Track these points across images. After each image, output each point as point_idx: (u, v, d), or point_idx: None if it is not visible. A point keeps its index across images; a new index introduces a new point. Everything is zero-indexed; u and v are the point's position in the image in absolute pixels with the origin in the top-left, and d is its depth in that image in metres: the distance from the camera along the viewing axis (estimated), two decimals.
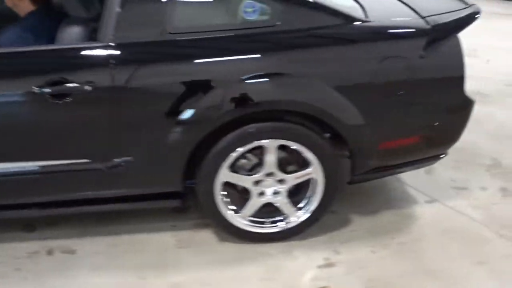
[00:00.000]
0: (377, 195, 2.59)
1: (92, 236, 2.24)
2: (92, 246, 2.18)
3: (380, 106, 2.00)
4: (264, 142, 1.95)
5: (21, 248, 2.13)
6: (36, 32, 2.00)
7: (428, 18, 2.05)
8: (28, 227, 2.26)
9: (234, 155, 1.96)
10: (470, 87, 4.11)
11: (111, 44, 1.80)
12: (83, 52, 1.84)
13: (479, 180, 2.75)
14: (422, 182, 2.72)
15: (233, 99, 1.85)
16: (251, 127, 1.92)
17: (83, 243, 2.19)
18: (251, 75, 1.85)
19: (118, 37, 1.80)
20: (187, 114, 1.85)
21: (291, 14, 1.90)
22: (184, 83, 1.85)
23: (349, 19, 1.95)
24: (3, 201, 1.99)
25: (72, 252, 2.15)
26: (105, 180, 1.97)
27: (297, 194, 2.16)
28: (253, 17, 1.88)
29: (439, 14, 2.08)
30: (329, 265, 2.09)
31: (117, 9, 1.78)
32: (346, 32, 1.96)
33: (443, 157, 2.34)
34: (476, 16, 2.05)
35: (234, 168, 2.04)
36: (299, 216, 2.15)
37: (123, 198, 2.09)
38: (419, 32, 1.98)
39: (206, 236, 2.24)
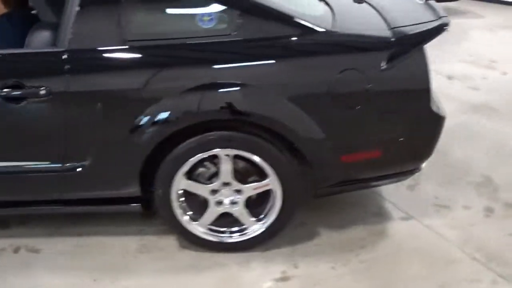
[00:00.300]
0: (352, 209, 2.52)
1: (60, 236, 2.30)
2: (58, 246, 2.24)
3: (338, 119, 1.95)
4: (218, 151, 1.95)
5: None
6: (5, 34, 2.07)
7: (395, 29, 1.99)
8: (1, 224, 2.35)
9: (189, 162, 1.96)
10: (479, 99, 4.05)
11: (67, 49, 1.84)
12: (40, 57, 1.90)
13: (464, 199, 2.63)
14: (403, 197, 2.63)
15: (185, 107, 1.86)
16: (205, 136, 1.92)
17: (50, 243, 2.25)
18: (203, 83, 1.85)
19: (75, 43, 1.84)
20: (140, 120, 1.87)
21: (247, 24, 1.89)
22: (138, 89, 1.87)
23: (308, 29, 1.92)
24: None
25: (37, 251, 2.21)
26: (64, 182, 2.02)
27: (259, 205, 2.14)
28: (209, 26, 1.89)
29: (408, 25, 2.02)
30: (284, 279, 2.05)
31: (74, 15, 1.83)
32: (303, 43, 1.92)
33: (416, 172, 2.26)
34: (444, 28, 1.97)
35: (192, 176, 2.04)
36: (258, 228, 2.13)
37: (87, 200, 2.14)
38: (381, 45, 1.93)
39: (169, 242, 2.25)
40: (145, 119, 1.87)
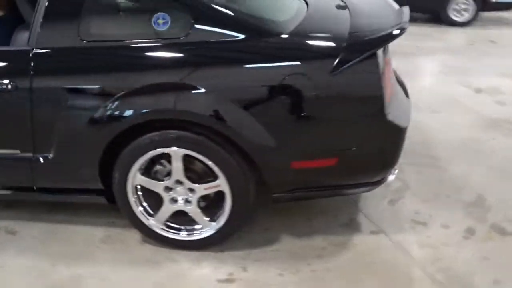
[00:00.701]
0: (322, 218, 2.48)
1: (38, 221, 2.46)
2: (33, 231, 2.40)
3: (287, 125, 1.93)
4: (168, 150, 2.00)
5: None
6: None
7: (353, 35, 1.95)
8: None
9: (142, 159, 2.04)
10: (502, 114, 3.80)
11: (34, 48, 1.99)
12: (12, 54, 2.06)
13: (446, 217, 2.50)
14: (380, 211, 2.55)
15: (134, 106, 1.94)
16: (155, 135, 1.98)
17: (27, 227, 2.42)
18: (151, 83, 1.92)
19: (41, 42, 1.99)
20: (94, 117, 1.97)
21: (199, 27, 1.94)
22: (93, 87, 1.98)
23: (259, 33, 1.93)
24: None
25: (14, 233, 2.38)
26: (35, 171, 2.17)
27: (216, 206, 2.16)
28: (163, 29, 1.96)
29: (368, 31, 1.97)
30: (229, 280, 2.06)
31: (42, 16, 1.97)
32: (252, 46, 1.94)
33: (381, 183, 2.18)
34: (392, 37, 1.90)
35: (151, 173, 2.12)
36: (211, 228, 2.16)
37: (58, 189, 2.28)
38: (329, 51, 1.90)
39: (132, 236, 2.33)
40: (98, 116, 1.97)
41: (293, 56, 1.93)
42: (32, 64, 1.99)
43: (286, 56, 1.93)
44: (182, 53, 1.96)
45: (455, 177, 2.90)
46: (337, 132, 1.96)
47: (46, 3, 1.97)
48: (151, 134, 1.99)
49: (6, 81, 1.98)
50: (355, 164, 2.05)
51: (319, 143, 1.98)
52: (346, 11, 2.31)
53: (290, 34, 1.97)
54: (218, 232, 2.15)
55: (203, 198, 2.14)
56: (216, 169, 2.01)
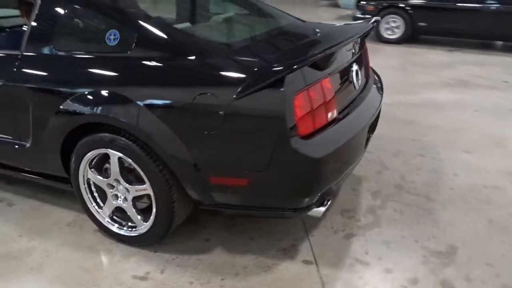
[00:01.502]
0: (264, 238, 2.48)
1: (33, 199, 2.90)
2: (25, 206, 2.83)
3: (200, 141, 2.02)
4: (106, 151, 2.24)
5: None
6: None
7: (276, 59, 1.99)
8: (6, 182, 3.08)
9: (89, 155, 2.31)
10: None
11: (22, 53, 2.41)
12: (6, 57, 2.50)
13: (397, 262, 2.31)
14: (328, 242, 2.47)
15: (79, 108, 2.22)
16: (96, 136, 2.24)
17: (24, 202, 2.87)
18: (92, 90, 2.18)
19: (27, 49, 2.39)
20: (54, 115, 2.30)
21: (140, 44, 2.15)
22: (55, 89, 2.31)
23: (178, 52, 2.08)
24: None
25: (11, 205, 2.85)
26: (19, 155, 2.59)
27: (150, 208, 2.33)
28: (113, 44, 2.21)
29: (294, 57, 1.98)
30: (143, 278, 2.21)
31: (29, 30, 2.38)
32: (174, 65, 2.08)
33: (303, 211, 2.15)
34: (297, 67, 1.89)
35: (101, 169, 2.38)
36: (144, 227, 2.34)
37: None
38: (239, 75, 1.94)
39: (91, 224, 2.61)
40: (57, 114, 2.29)
41: (206, 78, 2.02)
42: (18, 65, 2.40)
43: (200, 77, 2.04)
44: (120, 66, 2.18)
45: (439, 223, 2.64)
46: (245, 154, 1.99)
47: (32, 22, 2.38)
48: (93, 135, 2.25)
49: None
50: (267, 188, 2.05)
51: (230, 162, 2.03)
52: (311, 37, 2.33)
53: (215, 55, 2.08)
54: (148, 232, 2.32)
55: (148, 199, 2.32)
56: (142, 174, 2.19)
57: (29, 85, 2.37)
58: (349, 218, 2.69)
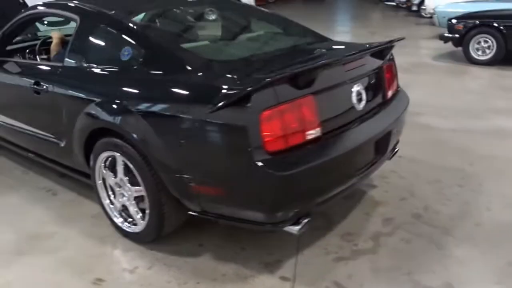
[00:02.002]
0: (254, 251, 2.54)
1: (72, 191, 3.30)
2: (65, 197, 3.25)
3: (180, 150, 2.17)
4: (113, 153, 2.52)
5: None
6: None
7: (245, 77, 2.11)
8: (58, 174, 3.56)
9: (102, 156, 2.60)
10: None
11: (63, 65, 2.82)
12: (50, 68, 2.92)
13: None
14: (315, 262, 2.45)
15: (92, 114, 2.53)
16: (105, 139, 2.52)
17: (65, 193, 3.29)
18: (101, 99, 2.48)
19: (67, 62, 2.80)
20: (79, 118, 2.64)
21: (145, 60, 2.40)
22: (81, 96, 2.65)
23: (170, 68, 2.31)
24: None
25: (55, 194, 3.30)
26: (56, 151, 3.01)
27: None
28: (125, 59, 2.49)
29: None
30: (130, 272, 2.41)
31: (68, 48, 2.79)
32: (163, 80, 2.31)
33: (277, 227, 2.19)
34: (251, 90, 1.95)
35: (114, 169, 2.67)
36: (141, 226, 2.56)
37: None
38: (214, 91, 2.06)
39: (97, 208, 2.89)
40: (79, 119, 2.63)
41: (188, 92, 2.19)
42: (57, 74, 2.82)
43: (183, 91, 2.21)
44: (125, 80, 2.45)
45: (446, 259, 2.46)
46: (218, 165, 2.10)
47: (72, 39, 2.79)
48: (105, 138, 2.54)
49: (43, 86, 2.87)
50: (238, 199, 2.13)
51: (205, 172, 2.16)
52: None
53: (202, 71, 2.25)
54: (144, 231, 2.53)
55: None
56: (138, 176, 2.41)
57: (65, 92, 2.75)
58: (348, 241, 2.63)
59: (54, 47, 3.37)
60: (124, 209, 2.67)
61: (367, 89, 2.52)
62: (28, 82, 2.99)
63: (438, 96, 5.62)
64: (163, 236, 2.56)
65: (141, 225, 2.56)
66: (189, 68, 2.28)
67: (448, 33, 7.46)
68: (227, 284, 2.30)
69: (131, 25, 2.60)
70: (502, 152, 3.83)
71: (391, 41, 2.64)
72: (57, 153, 3.02)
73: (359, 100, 2.45)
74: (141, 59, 2.42)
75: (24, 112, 3.21)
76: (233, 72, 2.22)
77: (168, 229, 2.50)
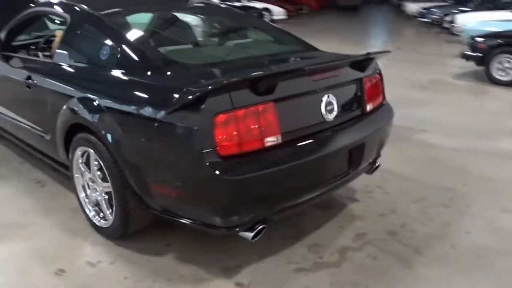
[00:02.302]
0: (218, 256, 2.55)
1: (60, 184, 3.40)
2: (53, 189, 3.36)
3: (140, 149, 2.23)
4: (87, 149, 2.60)
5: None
6: None
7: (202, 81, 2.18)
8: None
9: (78, 150, 2.69)
10: None
11: (53, 62, 2.94)
12: (43, 63, 3.05)
13: None
14: (278, 274, 2.43)
15: (68, 109, 2.63)
16: (80, 135, 2.61)
17: (53, 185, 3.40)
18: (79, 96, 2.56)
19: (55, 58, 2.92)
20: (59, 115, 2.74)
21: (120, 59, 2.48)
22: (61, 92, 2.76)
23: (140, 68, 2.38)
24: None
25: (44, 186, 3.41)
26: (44, 143, 3.12)
27: None
28: (104, 58, 2.57)
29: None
30: (92, 265, 2.46)
31: (59, 41, 2.91)
32: (132, 80, 2.37)
33: (228, 231, 2.20)
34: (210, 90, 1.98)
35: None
36: (109, 221, 2.61)
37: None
38: (174, 93, 2.09)
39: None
40: (62, 112, 2.73)
41: (151, 92, 2.26)
42: (50, 70, 2.95)
43: (147, 91, 2.28)
44: (101, 78, 2.53)
45: (411, 279, 2.39)
46: (173, 166, 2.13)
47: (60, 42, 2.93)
48: (80, 134, 2.62)
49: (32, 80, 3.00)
50: (193, 201, 2.15)
51: (161, 171, 2.20)
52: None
53: (164, 73, 2.32)
54: (112, 226, 2.59)
55: None
56: (106, 171, 2.48)
57: (51, 87, 2.86)
58: (314, 252, 2.60)
59: (55, 45, 3.50)
60: (97, 203, 2.74)
61: (340, 100, 2.50)
62: (22, 76, 3.12)
63: (451, 115, 5.48)
64: (129, 233, 2.60)
65: (109, 221, 2.61)
66: (157, 69, 2.33)
67: (471, 51, 7.27)
68: (181, 284, 2.32)
69: (112, 25, 2.68)
70: (502, 175, 3.69)
71: (368, 54, 2.61)
72: (44, 145, 3.14)
73: (330, 110, 2.43)
74: (116, 59, 2.49)
75: (19, 105, 3.36)
76: (197, 75, 2.26)
77: (134, 226, 2.55)
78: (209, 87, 1.97)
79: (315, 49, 3.14)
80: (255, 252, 2.57)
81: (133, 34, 2.64)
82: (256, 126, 2.10)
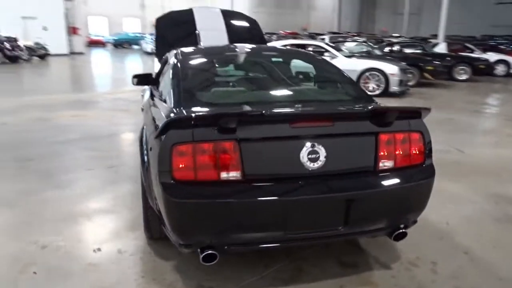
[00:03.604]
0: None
1: None
2: None
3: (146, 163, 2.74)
4: None
5: None
6: None
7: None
8: None
9: None
10: None
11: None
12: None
13: None
14: None
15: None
16: None
17: None
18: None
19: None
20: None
21: (171, 94, 3.00)
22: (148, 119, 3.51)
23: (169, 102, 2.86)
24: None
25: None
26: None
27: None
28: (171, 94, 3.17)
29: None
30: (97, 250, 3.03)
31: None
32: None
33: (187, 248, 2.42)
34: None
35: None
36: None
37: None
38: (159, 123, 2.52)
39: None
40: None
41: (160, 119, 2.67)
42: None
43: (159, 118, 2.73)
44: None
45: None
46: (153, 181, 2.50)
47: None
48: None
49: None
50: (162, 216, 2.46)
51: (150, 187, 2.63)
52: None
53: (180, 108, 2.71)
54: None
55: None
56: None
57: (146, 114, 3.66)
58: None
59: None
60: None
61: (333, 151, 2.43)
62: None
63: None
64: (155, 238, 3.06)
65: None
66: (177, 104, 2.75)
67: None
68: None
69: (180, 69, 3.15)
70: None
71: (388, 108, 2.47)
72: None
73: (313, 159, 2.39)
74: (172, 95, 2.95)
75: None
76: (193, 111, 2.58)
77: (155, 233, 3.00)
78: (169, 120, 2.32)
79: (369, 100, 3.02)
80: (233, 278, 2.68)
81: (191, 75, 3.15)
82: (214, 160, 2.30)
